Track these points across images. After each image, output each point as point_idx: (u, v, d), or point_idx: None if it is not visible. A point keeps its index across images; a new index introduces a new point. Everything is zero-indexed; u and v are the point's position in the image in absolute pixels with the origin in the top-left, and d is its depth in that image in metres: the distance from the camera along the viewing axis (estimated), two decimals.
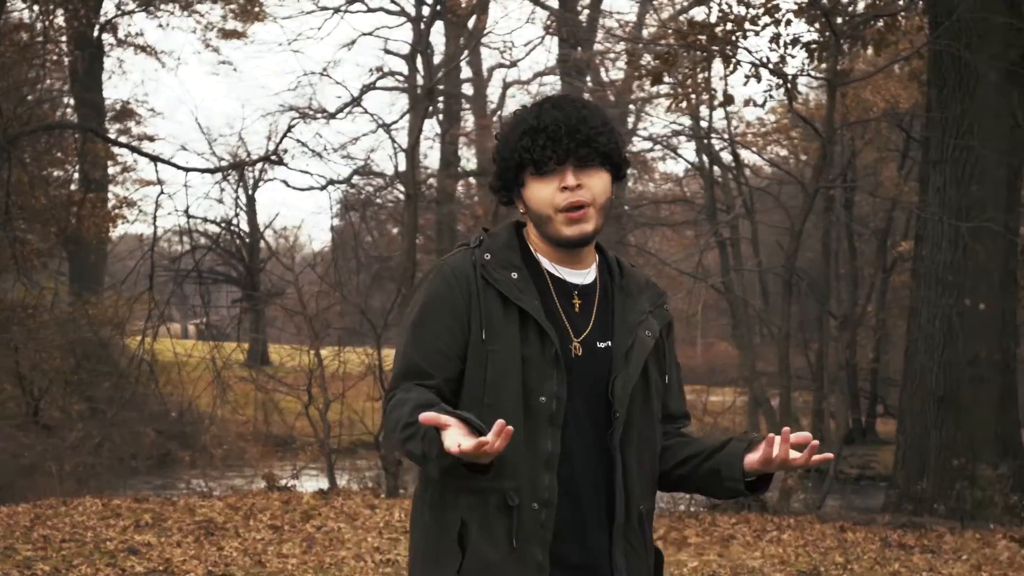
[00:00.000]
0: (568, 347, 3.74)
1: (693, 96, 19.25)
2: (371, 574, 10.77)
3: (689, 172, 33.77)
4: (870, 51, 18.84)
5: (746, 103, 18.28)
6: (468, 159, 34.51)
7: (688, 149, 36.60)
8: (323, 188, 30.52)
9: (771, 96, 17.25)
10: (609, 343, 3.80)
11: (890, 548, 13.14)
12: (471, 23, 29.22)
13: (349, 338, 20.00)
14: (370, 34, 38.54)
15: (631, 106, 31.92)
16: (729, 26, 16.94)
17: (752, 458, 3.71)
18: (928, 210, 16.18)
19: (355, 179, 30.73)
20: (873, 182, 29.23)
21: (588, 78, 31.13)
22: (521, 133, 3.73)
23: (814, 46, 17.29)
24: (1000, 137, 16.34)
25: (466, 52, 29.50)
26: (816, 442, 3.53)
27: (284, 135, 24.91)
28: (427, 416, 3.35)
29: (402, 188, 32.29)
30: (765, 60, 16.78)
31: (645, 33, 30.20)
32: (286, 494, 15.34)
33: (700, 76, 17.55)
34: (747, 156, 31.65)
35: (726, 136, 28.30)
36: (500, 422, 3.30)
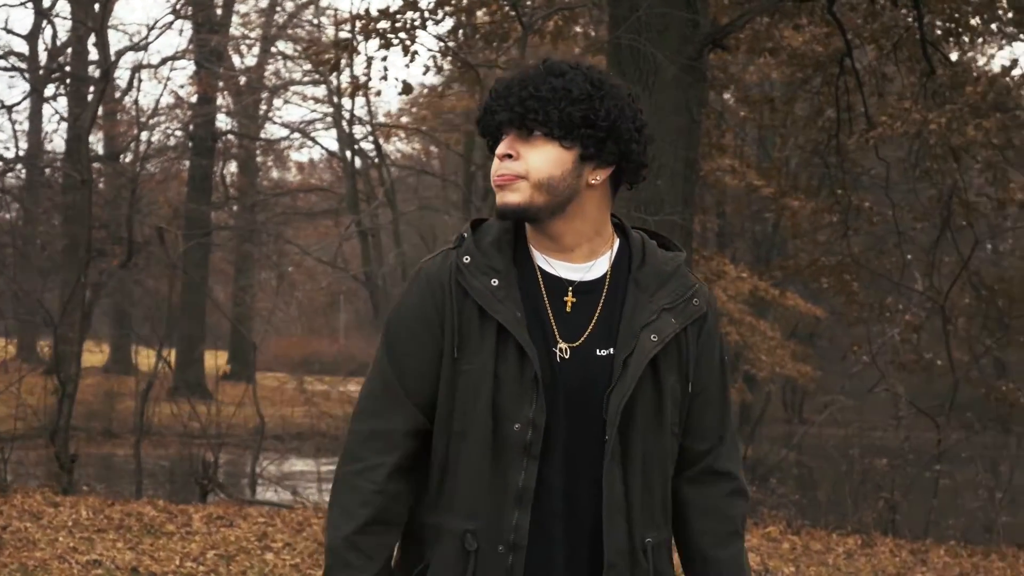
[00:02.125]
0: (552, 350, 3.27)
1: (371, 84, 18.97)
2: None
3: (322, 161, 33.51)
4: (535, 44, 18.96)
5: (428, 91, 18.09)
6: (95, 143, 33.20)
7: (328, 137, 36.30)
8: None
9: (450, 86, 17.14)
10: (611, 350, 3.29)
11: None
12: (98, 5, 28.17)
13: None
14: None
15: (265, 93, 31.43)
16: (412, 14, 16.74)
17: None
18: (618, 203, 16.31)
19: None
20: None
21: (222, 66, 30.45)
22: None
23: (492, 36, 17.28)
24: (678, 131, 16.60)
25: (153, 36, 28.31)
26: None
27: None
28: None
29: (26, 172, 31.03)
30: (446, 49, 16.68)
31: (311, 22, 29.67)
32: None
33: (383, 64, 17.32)
34: (387, 146, 31.49)
35: (369, 125, 28.13)
36: None
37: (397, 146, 31.78)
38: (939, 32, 18.75)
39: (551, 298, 3.31)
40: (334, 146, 33.09)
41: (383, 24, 16.72)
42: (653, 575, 3.32)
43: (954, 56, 20.51)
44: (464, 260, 3.29)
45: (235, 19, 31.55)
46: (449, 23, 16.77)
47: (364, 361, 31.71)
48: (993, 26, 20.90)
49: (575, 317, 3.30)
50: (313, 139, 29.14)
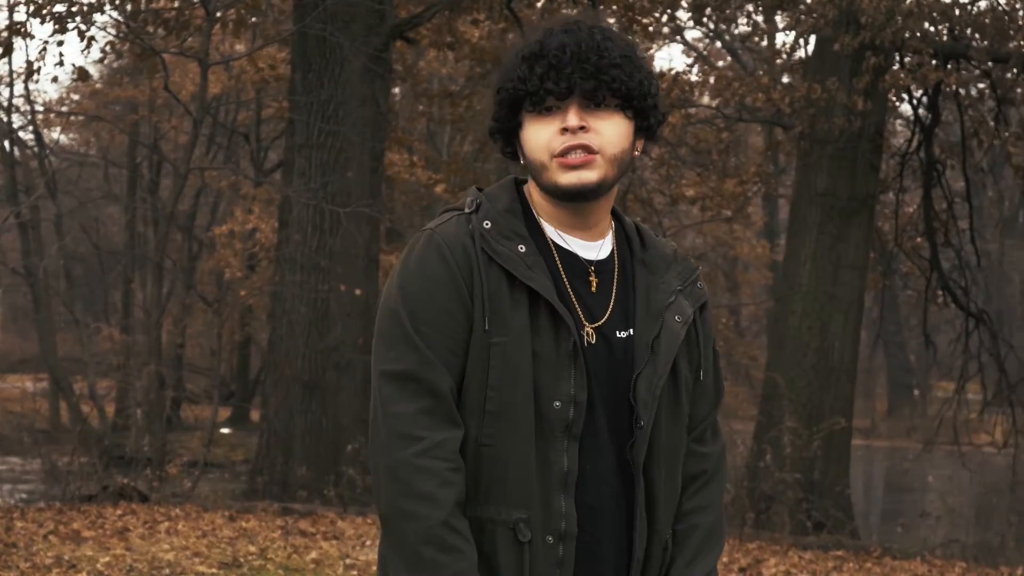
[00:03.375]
0: (580, 333, 3.01)
1: (41, 68, 18.23)
2: None
3: None
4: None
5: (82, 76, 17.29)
6: None
7: None
8: None
9: (128, 73, 16.60)
10: (631, 332, 3.07)
11: (291, 535, 13.00)
12: None
13: None
14: None
15: None
16: None
17: None
18: (305, 195, 16.05)
19: None
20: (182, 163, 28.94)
21: None
22: (520, 60, 3.01)
23: (172, 23, 16.82)
24: (365, 123, 16.52)
25: None
26: None
27: None
28: None
29: None
30: (126, 34, 16.18)
31: None
32: None
33: (57, 48, 16.68)
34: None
35: (28, 113, 27.08)
36: None
37: (55, 136, 30.71)
38: (615, 29, 19.08)
39: (569, 276, 3.07)
40: None
41: (59, 7, 16.09)
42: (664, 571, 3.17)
43: None
44: (485, 225, 3.01)
45: None
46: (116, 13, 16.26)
47: (21, 357, 30.64)
48: (664, 28, 21.47)
49: (598, 299, 3.08)
50: None
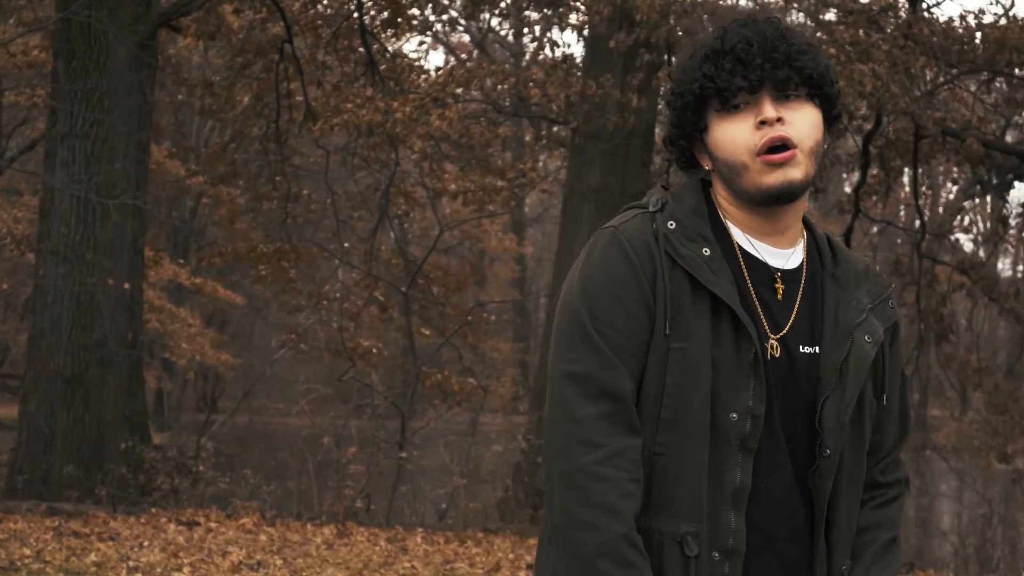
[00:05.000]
0: (764, 344, 2.87)
1: None
2: None
3: None
4: None
5: None
6: None
7: None
8: None
9: None
10: (816, 349, 2.93)
11: (65, 536, 12.62)
12: None
13: None
14: None
15: None
16: None
17: None
18: (71, 186, 15.55)
19: None
20: None
21: None
22: (701, 59, 2.87)
23: None
24: (131, 112, 16.12)
25: None
26: None
27: None
28: None
29: None
30: None
31: None
32: None
33: None
34: None
35: None
36: None
37: None
38: (378, 23, 19.02)
39: (755, 284, 2.93)
40: None
41: None
42: None
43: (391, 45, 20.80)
44: (669, 225, 2.88)
45: None
46: None
47: None
48: (431, 15, 21.44)
49: (782, 308, 2.94)
50: None
